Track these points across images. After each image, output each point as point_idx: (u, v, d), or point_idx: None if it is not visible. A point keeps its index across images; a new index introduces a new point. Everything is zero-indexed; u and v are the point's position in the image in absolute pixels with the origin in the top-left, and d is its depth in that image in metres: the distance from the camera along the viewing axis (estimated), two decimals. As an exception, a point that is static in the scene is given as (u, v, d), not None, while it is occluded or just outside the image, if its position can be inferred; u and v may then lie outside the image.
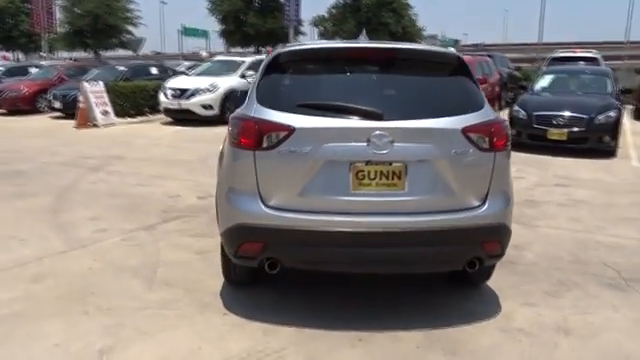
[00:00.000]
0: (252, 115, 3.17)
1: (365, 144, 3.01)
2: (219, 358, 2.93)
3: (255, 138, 3.09)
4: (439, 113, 3.13)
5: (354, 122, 3.06)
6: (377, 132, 2.99)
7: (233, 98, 13.36)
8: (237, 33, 31.68)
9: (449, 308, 3.56)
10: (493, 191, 3.21)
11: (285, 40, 27.78)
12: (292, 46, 3.43)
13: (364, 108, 3.08)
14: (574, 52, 18.50)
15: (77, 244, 4.73)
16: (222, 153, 5.36)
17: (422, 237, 3.08)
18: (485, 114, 3.23)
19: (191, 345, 3.05)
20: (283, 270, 3.19)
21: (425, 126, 3.07)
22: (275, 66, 3.37)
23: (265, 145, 3.08)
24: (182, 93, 12.99)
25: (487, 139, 3.14)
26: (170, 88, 13.26)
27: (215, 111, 12.80)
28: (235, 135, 3.20)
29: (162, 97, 13.35)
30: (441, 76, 3.38)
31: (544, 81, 11.49)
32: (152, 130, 12.38)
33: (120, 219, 5.48)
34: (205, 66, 15.11)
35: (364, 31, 5.14)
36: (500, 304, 3.62)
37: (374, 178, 3.05)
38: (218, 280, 3.92)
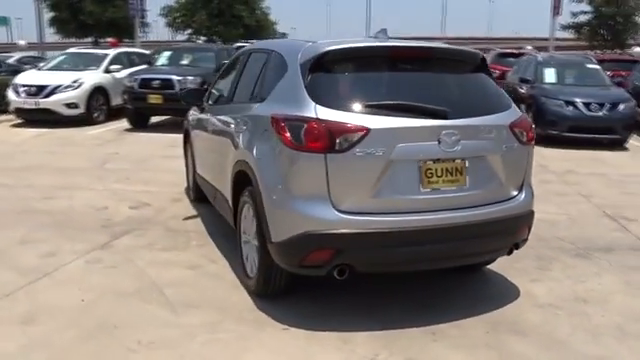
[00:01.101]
0: (317, 117, 3.03)
1: (436, 143, 3.08)
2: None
3: (327, 141, 2.97)
4: (487, 111, 3.33)
5: (425, 121, 3.11)
6: (447, 131, 3.08)
7: (97, 96, 12.25)
8: (72, 22, 28.53)
9: (476, 294, 3.80)
10: (526, 181, 3.51)
11: (128, 31, 25.86)
12: (335, 44, 3.32)
13: (433, 107, 3.15)
14: None
15: (35, 274, 4.02)
16: (191, 153, 4.93)
17: (482, 229, 3.25)
18: (516, 110, 3.51)
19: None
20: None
21: (484, 123, 3.24)
22: (321, 64, 3.25)
23: (338, 147, 2.97)
24: (39, 90, 11.49)
25: (525, 133, 3.42)
26: (23, 85, 11.64)
27: (81, 110, 11.57)
28: (297, 138, 3.03)
29: (12, 95, 11.68)
30: (473, 74, 3.57)
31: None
32: (4, 134, 10.77)
33: (58, 240, 4.77)
34: (59, 59, 13.51)
35: (385, 30, 5.01)
36: (513, 283, 3.96)
37: (440, 175, 3.13)
38: (240, 294, 3.69)
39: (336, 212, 3.02)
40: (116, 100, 12.46)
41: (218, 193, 4.51)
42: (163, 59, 12.58)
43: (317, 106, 3.07)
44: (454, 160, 3.15)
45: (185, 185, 6.56)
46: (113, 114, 12.46)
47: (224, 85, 4.92)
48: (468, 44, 24.56)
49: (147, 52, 15.78)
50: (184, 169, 7.30)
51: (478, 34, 58.62)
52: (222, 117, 4.40)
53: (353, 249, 3.04)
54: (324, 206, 3.02)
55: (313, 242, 3.03)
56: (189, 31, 31.76)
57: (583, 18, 25.33)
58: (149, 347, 3.00)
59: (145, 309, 3.48)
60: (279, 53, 3.71)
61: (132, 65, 13.68)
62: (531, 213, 3.52)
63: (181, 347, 3.01)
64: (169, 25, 32.20)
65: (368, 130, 2.97)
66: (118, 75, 12.54)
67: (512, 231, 3.41)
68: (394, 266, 3.26)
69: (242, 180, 3.73)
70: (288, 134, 3.08)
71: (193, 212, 5.65)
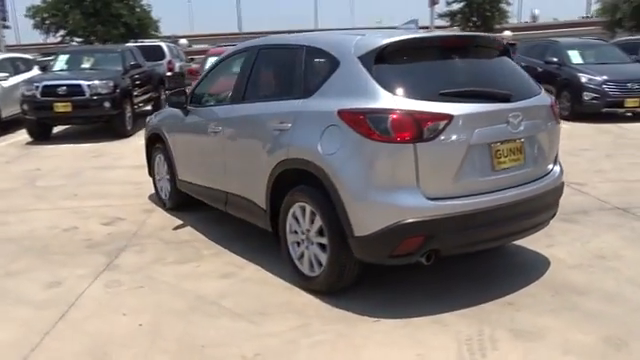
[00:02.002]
0: (399, 107, 3.05)
1: (505, 125, 3.25)
2: (445, 357, 2.84)
3: (415, 130, 3.01)
4: (532, 93, 3.57)
5: (496, 105, 3.26)
6: (514, 113, 3.27)
7: None
8: None
9: (512, 267, 4.04)
10: (557, 156, 3.83)
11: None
12: (391, 37, 3.35)
13: (499, 91, 3.31)
14: None
15: (55, 307, 3.58)
16: (167, 159, 4.50)
17: (538, 202, 3.50)
18: (545, 93, 3.81)
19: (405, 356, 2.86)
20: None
21: (536, 104, 3.49)
22: (384, 57, 3.26)
23: (425, 136, 3.03)
24: None
25: (557, 112, 3.74)
26: None
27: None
28: (383, 129, 3.03)
29: None
30: (506, 60, 3.78)
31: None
32: None
33: (48, 267, 4.29)
34: None
35: (416, 20, 5.03)
36: (535, 250, 4.28)
37: (507, 155, 3.32)
38: (300, 295, 3.60)
39: (425, 199, 3.08)
40: (6, 111, 11.26)
41: (235, 197, 4.32)
42: (61, 63, 11.53)
43: (395, 97, 3.10)
44: (516, 140, 3.35)
45: (149, 194, 6.18)
46: (3, 127, 11.25)
47: (220, 85, 4.71)
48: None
49: (30, 57, 14.36)
50: (137, 179, 6.87)
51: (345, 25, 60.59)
52: (235, 117, 4.21)
53: (442, 234, 3.13)
54: (414, 194, 3.07)
55: (406, 231, 3.06)
56: (62, 32, 29.03)
57: (457, 7, 27.53)
58: (256, 360, 2.85)
59: (220, 324, 3.26)
60: (318, 48, 3.64)
61: (18, 72, 12.43)
62: (563, 185, 3.85)
63: (292, 354, 2.89)
64: (37, 27, 29.20)
65: (451, 117, 3.06)
66: (6, 84, 11.32)
67: (555, 202, 3.72)
68: (474, 246, 3.40)
69: (288, 180, 3.64)
70: (371, 127, 3.06)
71: (178, 221, 5.33)
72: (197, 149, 4.87)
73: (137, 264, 4.29)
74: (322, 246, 3.45)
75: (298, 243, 3.69)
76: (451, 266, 3.88)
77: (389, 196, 3.08)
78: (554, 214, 3.79)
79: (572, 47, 12.20)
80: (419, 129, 3.01)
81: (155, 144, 5.75)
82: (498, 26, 27.21)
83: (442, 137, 3.05)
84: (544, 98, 3.61)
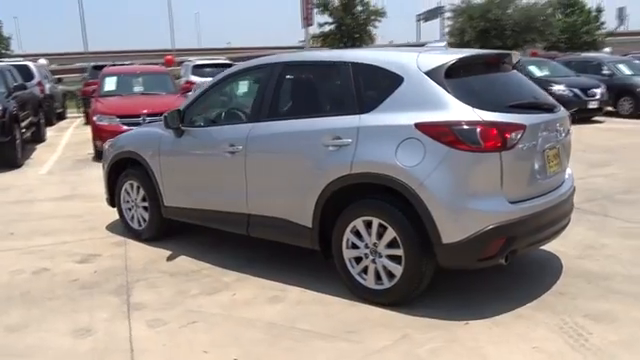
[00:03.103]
0: (483, 119, 3.24)
1: (554, 133, 3.62)
2: (558, 346, 3.06)
3: (501, 140, 3.23)
4: (555, 104, 4.00)
5: (551, 115, 3.61)
6: (560, 122, 3.66)
7: None
8: None
9: (531, 263, 4.36)
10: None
11: None
12: (456, 54, 3.54)
13: (549, 102, 3.67)
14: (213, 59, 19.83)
15: (111, 354, 3.18)
16: (151, 185, 4.81)
17: (570, 202, 3.93)
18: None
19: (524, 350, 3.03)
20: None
21: (565, 114, 3.91)
22: (451, 72, 3.44)
23: (508, 145, 3.26)
24: None
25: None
26: None
27: None
28: (472, 140, 3.21)
29: None
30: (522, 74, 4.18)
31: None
32: None
33: (57, 315, 3.75)
34: None
35: (446, 39, 5.08)
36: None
37: (553, 160, 3.69)
38: (369, 309, 3.60)
39: (509, 203, 3.31)
40: None
41: (262, 219, 4.16)
42: None
43: (473, 109, 3.29)
44: (557, 147, 3.74)
45: (106, 226, 5.73)
46: None
47: (229, 103, 4.52)
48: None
49: None
50: (74, 212, 6.39)
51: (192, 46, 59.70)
52: (264, 135, 4.07)
53: (520, 234, 3.37)
54: (499, 200, 3.29)
55: (494, 235, 3.26)
56: None
57: (328, 28, 28.74)
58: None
59: (319, 346, 3.14)
60: (371, 65, 3.68)
61: None
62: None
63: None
64: None
65: (525, 127, 3.34)
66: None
67: (573, 201, 4.18)
68: (536, 245, 3.68)
69: (343, 196, 3.64)
70: (460, 138, 3.22)
71: (162, 252, 4.91)
72: (200, 171, 4.59)
73: (161, 300, 3.92)
74: (395, 258, 3.50)
75: (357, 258, 3.68)
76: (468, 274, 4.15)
77: (478, 202, 3.26)
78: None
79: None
80: (503, 138, 3.24)
81: (123, 170, 5.29)
82: (364, 45, 29.08)
83: (520, 145, 3.31)
84: (563, 109, 4.07)
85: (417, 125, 3.33)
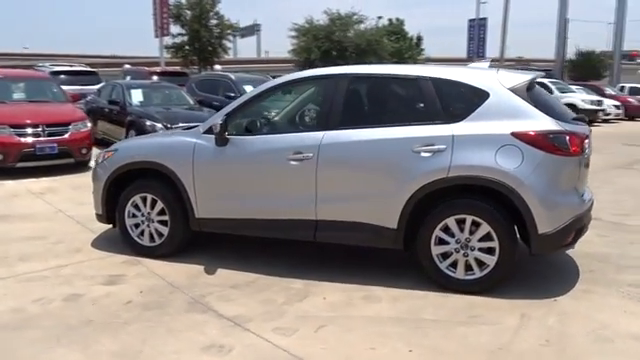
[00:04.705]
0: (567, 129, 3.91)
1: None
2: (633, 307, 3.80)
3: (581, 146, 3.93)
4: None
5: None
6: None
7: None
8: None
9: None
10: None
11: None
12: (527, 74, 4.15)
13: (584, 116, 4.47)
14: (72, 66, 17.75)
15: (284, 358, 3.14)
16: (185, 198, 4.62)
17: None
18: None
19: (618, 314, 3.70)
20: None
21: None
22: (528, 88, 4.05)
23: (582, 150, 3.97)
24: None
25: None
26: None
27: None
28: (564, 146, 3.85)
29: None
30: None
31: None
32: None
33: (159, 336, 3.47)
34: None
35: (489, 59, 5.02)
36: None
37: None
38: (463, 296, 4.00)
39: (581, 199, 4.02)
40: None
41: (336, 224, 4.28)
42: None
43: (555, 121, 3.94)
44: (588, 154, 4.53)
45: (90, 244, 5.29)
46: None
47: (285, 112, 4.56)
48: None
49: None
50: (57, 233, 5.75)
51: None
52: (341, 143, 4.21)
53: (584, 224, 4.10)
54: (577, 195, 4.01)
55: (574, 225, 3.94)
56: None
57: (180, 39, 27.57)
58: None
59: (465, 332, 3.46)
60: (454, 80, 4.13)
61: None
62: None
63: (567, 328, 3.44)
64: None
65: (587, 136, 4.09)
66: None
67: None
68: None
69: (431, 198, 4.01)
70: (555, 144, 3.83)
71: (192, 267, 4.65)
72: (251, 181, 4.50)
73: (257, 310, 3.82)
74: (489, 250, 3.97)
75: (444, 254, 4.07)
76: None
77: (566, 198, 3.91)
78: None
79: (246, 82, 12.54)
80: (582, 145, 3.95)
81: (127, 183, 4.92)
82: (216, 59, 28.70)
83: (586, 150, 4.05)
84: None
85: (514, 134, 3.86)
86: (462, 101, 4.13)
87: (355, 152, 4.20)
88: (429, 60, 33.19)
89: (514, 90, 4.01)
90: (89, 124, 9.68)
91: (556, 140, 3.87)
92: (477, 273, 4.01)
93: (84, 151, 9.28)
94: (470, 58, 31.28)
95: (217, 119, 4.56)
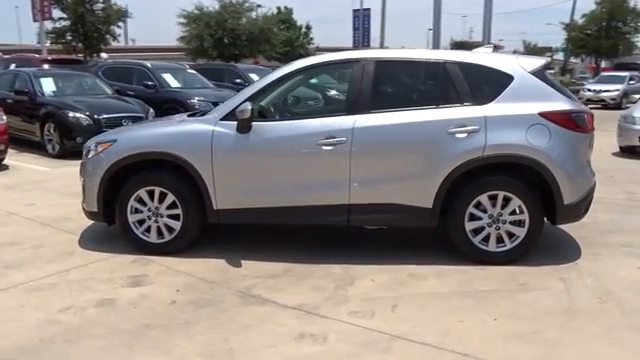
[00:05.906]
0: (582, 109, 4.31)
1: None
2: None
3: (593, 125, 4.36)
4: None
5: None
6: None
7: None
8: None
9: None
10: None
11: None
12: (541, 58, 4.47)
13: None
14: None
15: (382, 340, 3.16)
16: (202, 189, 4.38)
17: None
18: None
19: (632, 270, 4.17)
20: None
21: None
22: (542, 72, 4.39)
23: (593, 128, 4.41)
24: None
25: None
26: None
27: None
28: (583, 124, 4.24)
29: None
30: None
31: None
32: None
33: (237, 333, 3.31)
34: None
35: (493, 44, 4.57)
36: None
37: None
38: (496, 267, 4.28)
39: (591, 171, 4.47)
40: None
41: (370, 206, 4.32)
42: None
43: (572, 101, 4.33)
44: None
45: (84, 246, 4.83)
46: None
47: (309, 97, 4.47)
48: None
49: None
50: (45, 236, 5.32)
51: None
52: (375, 126, 4.25)
53: (592, 195, 4.55)
54: (590, 169, 4.43)
55: (590, 195, 4.37)
56: None
57: (64, 24, 24.85)
58: None
59: (526, 298, 3.71)
60: (480, 64, 4.33)
61: None
62: None
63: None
64: None
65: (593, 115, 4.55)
66: None
67: None
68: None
69: (464, 176, 4.21)
70: (577, 123, 4.20)
71: (213, 261, 4.44)
72: (280, 168, 4.39)
73: (318, 298, 3.77)
74: (519, 222, 4.27)
75: (476, 229, 4.32)
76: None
77: (584, 171, 4.33)
78: None
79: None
80: (593, 123, 4.39)
81: (127, 176, 4.58)
82: (103, 47, 26.46)
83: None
84: None
85: (541, 113, 4.18)
86: (489, 84, 4.36)
87: (390, 135, 4.27)
88: (319, 50, 33.72)
89: (534, 73, 4.33)
90: (4, 117, 8.62)
91: (577, 118, 4.25)
92: (507, 245, 4.30)
93: (1, 147, 8.28)
94: (356, 47, 32.26)
95: (237, 105, 4.36)
